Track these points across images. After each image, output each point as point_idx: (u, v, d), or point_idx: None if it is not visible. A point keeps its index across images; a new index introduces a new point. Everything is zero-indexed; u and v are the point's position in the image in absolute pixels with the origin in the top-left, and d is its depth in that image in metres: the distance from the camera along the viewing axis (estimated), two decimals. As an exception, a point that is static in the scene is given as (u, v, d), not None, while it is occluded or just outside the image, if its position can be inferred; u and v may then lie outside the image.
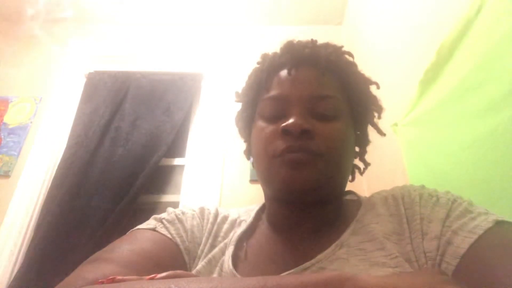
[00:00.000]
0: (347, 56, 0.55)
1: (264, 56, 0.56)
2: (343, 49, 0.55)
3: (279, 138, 0.46)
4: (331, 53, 0.52)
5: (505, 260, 0.32)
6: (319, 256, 0.42)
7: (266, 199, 0.54)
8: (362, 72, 0.56)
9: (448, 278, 0.33)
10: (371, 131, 0.58)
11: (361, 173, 0.60)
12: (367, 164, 0.59)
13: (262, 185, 0.52)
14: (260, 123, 0.51)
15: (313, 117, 0.47)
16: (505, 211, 0.52)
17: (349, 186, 0.56)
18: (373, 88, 0.57)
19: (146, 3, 1.86)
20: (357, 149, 0.57)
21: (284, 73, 0.51)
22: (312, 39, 0.55)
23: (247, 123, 0.57)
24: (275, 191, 0.49)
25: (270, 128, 0.48)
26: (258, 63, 0.57)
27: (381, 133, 0.59)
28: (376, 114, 0.57)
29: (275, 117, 0.49)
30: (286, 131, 0.45)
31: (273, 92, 0.51)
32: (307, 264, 0.42)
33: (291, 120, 0.45)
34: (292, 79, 0.50)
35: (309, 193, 0.45)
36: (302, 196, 0.46)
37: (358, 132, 0.55)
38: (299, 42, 0.54)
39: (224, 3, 1.86)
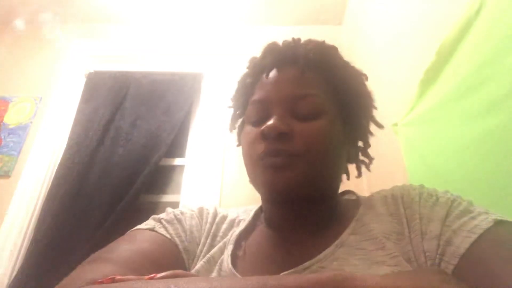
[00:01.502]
0: (330, 51, 0.54)
1: (251, 60, 0.56)
2: (326, 44, 0.54)
3: (259, 141, 0.46)
4: (310, 50, 0.51)
5: (505, 259, 0.32)
6: (319, 256, 0.42)
7: (261, 199, 0.54)
8: (350, 65, 0.55)
9: (448, 277, 0.33)
10: (371, 127, 0.58)
11: (368, 168, 0.59)
12: (371, 158, 0.58)
13: (254, 187, 0.52)
14: (247, 127, 0.51)
15: (294, 118, 0.47)
16: (505, 210, 0.52)
17: (349, 185, 0.55)
18: (372, 86, 0.57)
19: (146, 3, 1.86)
20: (360, 143, 0.56)
21: (265, 75, 0.51)
22: (294, 38, 0.55)
23: (240, 128, 0.58)
24: (262, 192, 0.49)
25: (253, 132, 0.48)
26: (246, 67, 0.57)
27: (379, 125, 0.58)
28: (369, 106, 0.56)
29: (259, 121, 0.49)
30: (264, 134, 0.45)
31: (256, 96, 0.51)
32: (307, 263, 0.41)
33: (269, 123, 0.45)
34: (273, 81, 0.50)
35: (292, 193, 0.45)
36: (286, 196, 0.46)
37: (353, 127, 0.53)
38: (283, 43, 0.54)
39: (224, 3, 1.86)
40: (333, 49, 0.55)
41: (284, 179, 0.44)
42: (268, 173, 0.44)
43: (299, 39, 0.55)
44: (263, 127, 0.45)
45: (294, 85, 0.49)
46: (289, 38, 0.55)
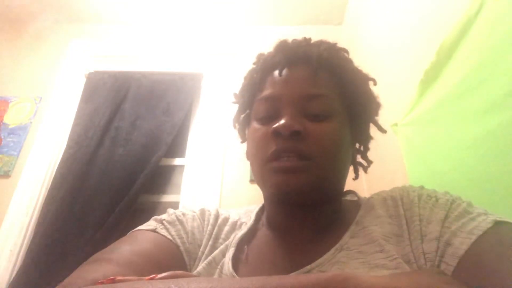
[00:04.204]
0: (342, 53, 0.54)
1: (259, 57, 0.56)
2: (338, 46, 0.54)
3: (270, 140, 0.46)
4: (324, 50, 0.51)
5: (504, 260, 0.32)
6: (319, 260, 0.42)
7: (265, 199, 0.54)
8: (359, 68, 0.55)
9: (448, 278, 0.33)
10: (371, 128, 0.58)
11: (365, 171, 0.59)
12: (369, 162, 0.58)
13: (259, 186, 0.52)
14: (254, 125, 0.50)
15: (305, 117, 0.46)
16: (505, 211, 0.52)
17: (349, 186, 0.55)
18: (372, 86, 0.57)
19: (146, 3, 1.86)
20: (358, 146, 0.57)
21: (277, 73, 0.51)
22: (305, 38, 0.55)
23: (244, 125, 0.57)
24: (269, 193, 0.49)
25: (262, 130, 0.48)
26: (253, 63, 0.56)
27: (381, 130, 0.58)
28: (374, 111, 0.56)
29: (268, 118, 0.48)
30: (276, 133, 0.45)
31: (266, 93, 0.50)
32: (308, 267, 0.41)
33: (281, 121, 0.44)
34: (284, 79, 0.50)
35: (303, 195, 0.45)
36: (296, 198, 0.45)
37: (357, 130, 0.54)
38: (293, 41, 0.54)
39: (224, 3, 1.86)
40: (345, 51, 0.55)
41: (296, 181, 0.43)
42: (279, 175, 0.44)
43: (310, 39, 0.55)
44: (276, 125, 0.44)
45: (307, 84, 0.48)
46: (293, 38, 0.55)
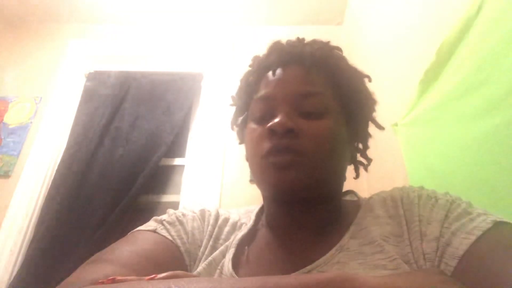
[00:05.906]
0: (335, 51, 0.54)
1: (254, 59, 0.56)
2: (331, 44, 0.55)
3: (266, 138, 0.46)
4: (317, 49, 0.52)
5: (504, 260, 0.32)
6: (319, 260, 0.42)
7: (263, 198, 0.54)
8: (353, 66, 0.55)
9: (447, 278, 0.33)
10: (371, 128, 0.58)
11: (366, 169, 0.59)
12: (369, 160, 0.58)
13: (258, 186, 0.52)
14: (251, 125, 0.51)
15: (300, 116, 0.47)
16: (505, 211, 0.52)
17: (350, 186, 0.55)
18: (372, 86, 0.57)
19: (146, 3, 1.86)
20: (360, 145, 0.57)
21: (271, 73, 0.51)
22: (299, 38, 0.55)
23: (242, 127, 0.57)
24: (267, 191, 0.49)
25: (258, 129, 0.48)
26: (249, 65, 0.57)
27: (379, 127, 0.58)
28: (371, 108, 0.56)
29: (264, 118, 0.49)
30: (271, 131, 0.45)
31: (260, 93, 0.51)
32: (308, 268, 0.41)
33: (276, 120, 0.45)
34: (278, 78, 0.50)
35: (298, 193, 0.45)
36: (292, 196, 0.46)
37: (354, 128, 0.53)
38: (287, 42, 0.55)
39: (225, 3, 1.86)
40: (338, 50, 0.55)
41: (290, 178, 0.44)
42: (274, 172, 0.44)
43: (303, 39, 0.55)
44: (270, 123, 0.45)
45: (301, 83, 0.49)
46: (293, 38, 0.56)
